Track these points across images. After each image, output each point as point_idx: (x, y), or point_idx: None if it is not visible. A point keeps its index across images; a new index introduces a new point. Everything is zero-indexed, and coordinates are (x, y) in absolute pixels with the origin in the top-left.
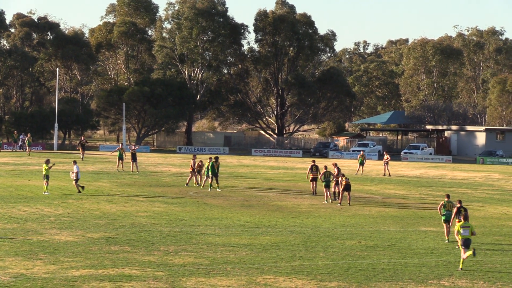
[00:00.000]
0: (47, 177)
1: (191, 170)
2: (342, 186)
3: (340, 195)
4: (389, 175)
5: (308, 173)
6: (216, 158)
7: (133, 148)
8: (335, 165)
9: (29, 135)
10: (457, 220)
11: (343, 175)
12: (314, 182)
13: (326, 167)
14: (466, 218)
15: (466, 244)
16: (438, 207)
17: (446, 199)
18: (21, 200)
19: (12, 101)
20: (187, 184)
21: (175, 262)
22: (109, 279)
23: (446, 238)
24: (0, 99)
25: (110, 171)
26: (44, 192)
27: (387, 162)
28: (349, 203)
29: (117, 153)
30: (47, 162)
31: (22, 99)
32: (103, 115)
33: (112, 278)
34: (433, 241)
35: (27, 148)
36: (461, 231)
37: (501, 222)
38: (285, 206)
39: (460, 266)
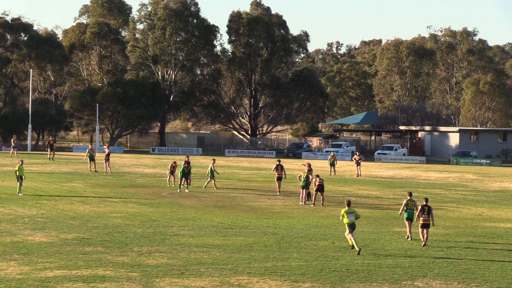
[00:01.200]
0: (21, 178)
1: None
2: (316, 187)
3: (314, 196)
4: (359, 175)
5: (274, 172)
6: (188, 163)
7: (105, 147)
8: (309, 165)
9: (14, 137)
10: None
11: (318, 176)
12: (279, 182)
13: (310, 167)
14: (430, 215)
15: (352, 227)
16: (402, 206)
17: (408, 198)
18: None
19: None
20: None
21: (149, 263)
22: (83, 280)
23: (409, 235)
24: None
25: (83, 172)
26: (18, 193)
27: (359, 162)
28: (322, 204)
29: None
30: (21, 163)
31: None
32: (77, 116)
33: (86, 279)
34: (407, 242)
35: (12, 149)
36: (347, 216)
37: (475, 223)
38: (259, 207)
39: (356, 248)
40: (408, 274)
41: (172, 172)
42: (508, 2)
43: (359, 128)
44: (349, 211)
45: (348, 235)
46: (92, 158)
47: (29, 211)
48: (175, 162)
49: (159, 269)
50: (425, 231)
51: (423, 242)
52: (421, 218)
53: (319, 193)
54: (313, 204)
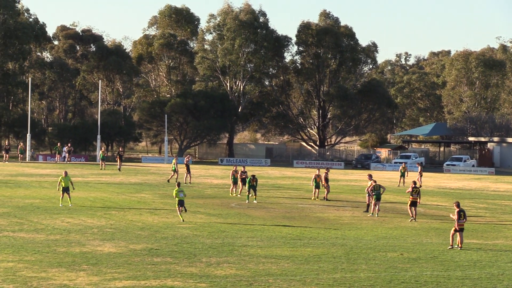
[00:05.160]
0: (67, 189)
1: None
2: (409, 201)
3: (411, 211)
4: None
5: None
6: (253, 176)
7: (186, 160)
8: (370, 176)
9: (103, 149)
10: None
11: (415, 185)
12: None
13: (375, 181)
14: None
15: (181, 203)
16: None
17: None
18: (64, 211)
19: (55, 113)
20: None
21: (217, 273)
22: None
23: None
24: (43, 111)
25: (152, 182)
26: (61, 204)
27: (420, 173)
28: (414, 219)
29: (175, 165)
30: (65, 174)
31: (65, 111)
32: (145, 127)
33: None
34: (476, 253)
35: (101, 161)
36: (178, 194)
37: None
38: (327, 218)
39: (181, 219)
40: (477, 286)
41: (234, 181)
42: None
43: (428, 139)
44: (179, 190)
45: (177, 209)
46: (175, 170)
47: (98, 221)
48: (235, 166)
49: (228, 280)
50: (458, 234)
51: (451, 246)
52: (457, 223)
53: (413, 208)
54: (414, 219)
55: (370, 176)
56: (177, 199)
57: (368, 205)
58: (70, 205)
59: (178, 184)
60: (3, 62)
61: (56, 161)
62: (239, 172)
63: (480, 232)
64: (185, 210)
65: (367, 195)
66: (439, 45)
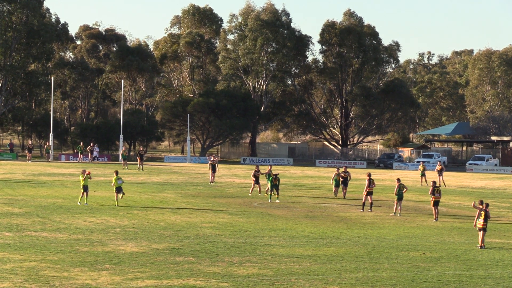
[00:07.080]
0: (85, 187)
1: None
2: (432, 201)
3: (434, 211)
4: (444, 185)
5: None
6: (275, 175)
7: (212, 159)
8: (369, 175)
9: (124, 149)
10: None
11: (435, 185)
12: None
13: (399, 180)
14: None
15: (118, 190)
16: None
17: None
18: (87, 211)
19: (77, 112)
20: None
21: (240, 273)
22: None
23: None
24: (66, 110)
25: (174, 182)
26: (79, 202)
27: (441, 172)
28: (436, 218)
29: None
30: (84, 172)
31: (88, 111)
32: (168, 126)
33: None
34: (499, 253)
35: (123, 161)
36: (117, 181)
37: None
38: (350, 217)
39: (116, 204)
40: (500, 285)
41: (256, 181)
42: None
43: (450, 138)
44: (117, 178)
45: (115, 195)
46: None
47: (121, 221)
48: (257, 166)
49: (250, 279)
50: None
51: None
52: (479, 222)
53: (434, 207)
54: (436, 219)
55: (369, 175)
56: (115, 185)
57: (364, 204)
58: (82, 203)
59: (116, 173)
60: (25, 62)
61: (79, 160)
62: (267, 170)
63: (503, 231)
64: (123, 194)
65: (365, 194)
66: (461, 44)
